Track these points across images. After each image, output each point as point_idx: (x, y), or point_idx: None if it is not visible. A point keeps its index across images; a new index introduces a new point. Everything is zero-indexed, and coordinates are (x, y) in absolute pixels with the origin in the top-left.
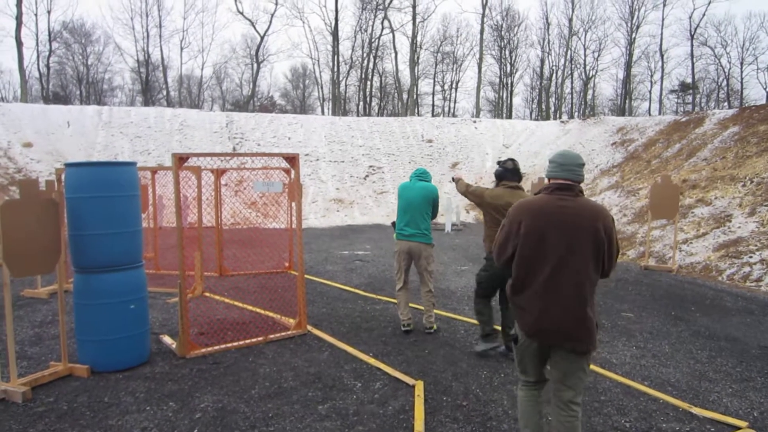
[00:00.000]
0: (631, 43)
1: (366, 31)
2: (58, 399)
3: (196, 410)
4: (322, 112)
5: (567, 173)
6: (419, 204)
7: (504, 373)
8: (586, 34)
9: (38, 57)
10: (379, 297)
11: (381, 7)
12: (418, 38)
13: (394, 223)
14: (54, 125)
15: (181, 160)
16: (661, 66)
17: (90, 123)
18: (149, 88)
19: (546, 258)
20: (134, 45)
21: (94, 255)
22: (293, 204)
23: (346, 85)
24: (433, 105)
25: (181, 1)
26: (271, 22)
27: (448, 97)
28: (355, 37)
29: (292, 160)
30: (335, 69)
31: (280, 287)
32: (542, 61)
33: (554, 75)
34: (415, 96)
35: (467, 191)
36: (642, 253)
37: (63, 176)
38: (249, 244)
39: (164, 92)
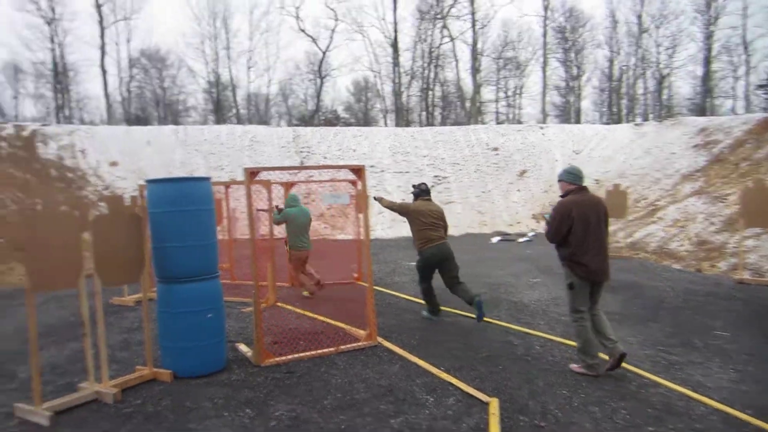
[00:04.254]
0: (709, 36)
1: (425, 41)
2: (145, 401)
3: (271, 418)
4: (385, 124)
5: (580, 180)
6: None
7: (584, 393)
8: (657, 31)
9: (120, 83)
10: (448, 309)
11: (439, 16)
12: (479, 45)
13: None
14: (136, 145)
15: (252, 174)
16: (746, 60)
17: (167, 142)
18: (220, 107)
19: (590, 229)
20: (205, 67)
21: (173, 266)
22: (360, 215)
23: (408, 96)
24: (497, 112)
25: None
26: (331, 38)
27: (513, 103)
28: (415, 47)
29: (358, 171)
30: (396, 80)
31: (349, 298)
32: (611, 62)
33: (624, 75)
34: (477, 104)
35: (392, 206)
36: (734, 265)
37: (145, 192)
38: (317, 256)
39: (234, 110)
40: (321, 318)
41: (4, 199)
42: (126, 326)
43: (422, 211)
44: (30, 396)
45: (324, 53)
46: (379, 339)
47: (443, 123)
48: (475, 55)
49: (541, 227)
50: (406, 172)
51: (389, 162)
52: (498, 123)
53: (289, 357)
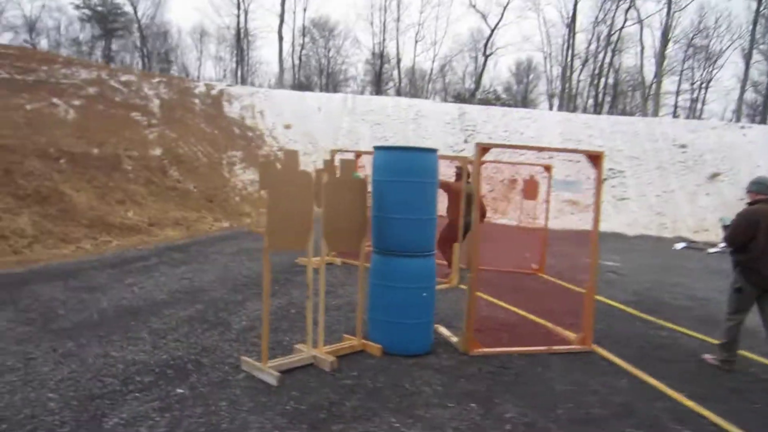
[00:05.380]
0: None
1: (605, 23)
2: (361, 375)
3: (503, 420)
4: (550, 108)
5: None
6: None
7: None
8: None
9: (293, 50)
10: (659, 321)
11: None
12: (670, 30)
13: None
14: (307, 110)
15: (483, 150)
16: None
17: (336, 109)
18: (380, 79)
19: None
20: (371, 38)
21: (394, 238)
22: (543, 204)
23: (578, 81)
24: (675, 105)
25: None
26: (502, 15)
27: (697, 97)
28: (594, 29)
29: (596, 158)
30: (568, 63)
31: (535, 290)
32: None
33: None
34: (658, 95)
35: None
36: None
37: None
38: (483, 238)
39: (392, 83)
40: (514, 309)
41: (197, 152)
42: (316, 288)
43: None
44: (249, 349)
45: (492, 31)
46: (593, 345)
47: (610, 112)
48: (666, 40)
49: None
50: (577, 161)
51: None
52: (674, 117)
53: (499, 350)
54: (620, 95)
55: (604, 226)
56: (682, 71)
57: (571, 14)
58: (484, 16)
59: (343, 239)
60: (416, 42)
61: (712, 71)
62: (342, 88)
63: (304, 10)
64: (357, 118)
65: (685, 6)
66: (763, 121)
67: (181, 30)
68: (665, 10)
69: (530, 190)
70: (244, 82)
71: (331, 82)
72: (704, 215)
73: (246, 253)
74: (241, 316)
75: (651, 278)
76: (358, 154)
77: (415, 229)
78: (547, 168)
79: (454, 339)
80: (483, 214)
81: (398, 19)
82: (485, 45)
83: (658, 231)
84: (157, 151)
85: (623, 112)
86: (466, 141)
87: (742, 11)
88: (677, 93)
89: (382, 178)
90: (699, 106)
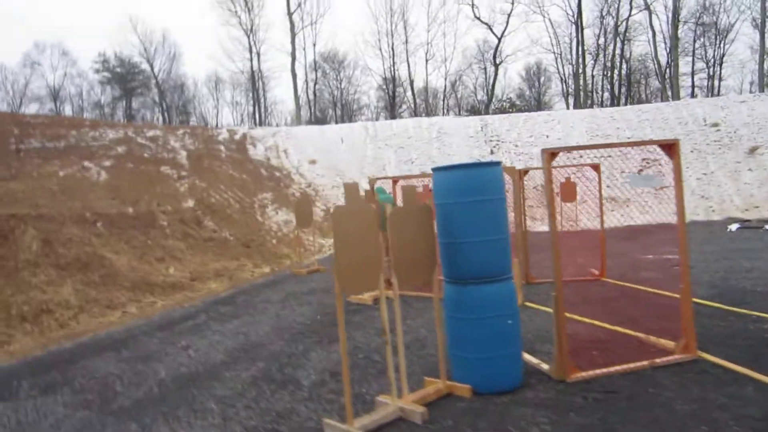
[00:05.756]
0: None
1: (611, 15)
2: (458, 423)
3: None
4: (567, 107)
5: None
6: None
7: None
8: None
9: (306, 86)
10: (755, 313)
11: None
12: (663, 14)
13: None
14: (329, 143)
15: (552, 155)
16: None
17: (358, 138)
18: (393, 103)
19: None
20: (381, 63)
21: (467, 264)
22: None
23: (593, 76)
24: (693, 86)
25: (424, 16)
26: (507, 22)
27: (713, 74)
28: (601, 23)
29: (670, 147)
30: (579, 60)
31: (607, 297)
32: None
33: None
34: (677, 78)
35: None
36: None
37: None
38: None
39: (406, 105)
40: (596, 323)
41: (228, 198)
42: (378, 326)
43: None
44: (326, 408)
45: (500, 39)
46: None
47: (627, 102)
48: (677, 22)
49: None
50: (608, 156)
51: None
52: (692, 97)
53: (598, 372)
54: (635, 84)
55: (647, 218)
56: (694, 51)
57: (576, 12)
58: (489, 27)
59: (413, 272)
60: (427, 61)
61: (724, 47)
62: (357, 117)
63: (314, 45)
64: (380, 144)
65: None
66: None
67: (197, 81)
68: None
69: (568, 192)
70: (262, 123)
71: (346, 113)
72: (750, 191)
73: (294, 298)
74: (308, 369)
75: (720, 266)
76: (395, 180)
77: (489, 252)
78: (596, 167)
79: (545, 366)
80: None
81: (406, 41)
82: (494, 54)
83: (707, 215)
84: (190, 203)
85: (640, 101)
86: (492, 152)
87: None
88: (692, 73)
89: (447, 201)
90: (716, 83)
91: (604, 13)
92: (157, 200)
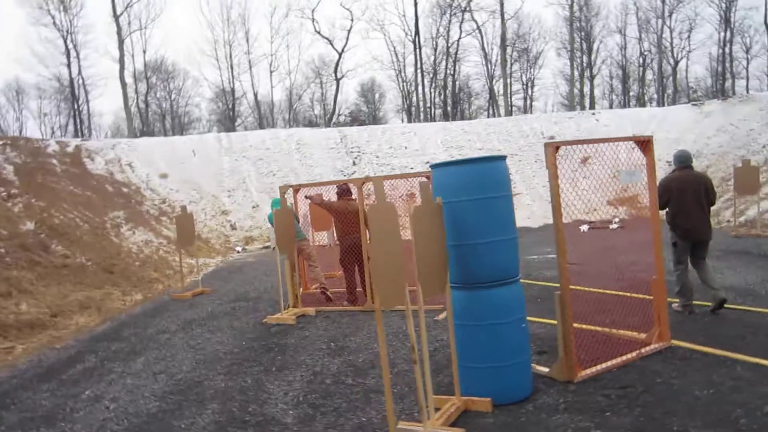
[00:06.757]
0: (725, 21)
1: (443, 36)
2: None
3: None
4: (402, 121)
5: (679, 162)
6: None
7: None
8: (671, 17)
9: (137, 96)
10: (673, 300)
11: (460, 9)
12: (492, 38)
13: None
14: (180, 156)
15: (557, 149)
16: None
17: (212, 150)
18: (230, 116)
19: (686, 199)
20: (219, 75)
21: (479, 267)
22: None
23: (430, 92)
24: (510, 105)
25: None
26: (347, 38)
27: (525, 95)
28: (435, 42)
29: (644, 144)
30: (412, 77)
31: (534, 297)
32: (623, 48)
33: (641, 60)
34: (508, 95)
35: (322, 204)
36: None
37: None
38: None
39: (241, 120)
40: (549, 321)
41: (74, 218)
42: (322, 345)
43: (347, 212)
44: None
45: (340, 54)
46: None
47: (456, 117)
48: (505, 46)
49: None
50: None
51: (444, 157)
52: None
53: (598, 368)
54: (462, 102)
55: None
56: (511, 73)
57: (414, 30)
58: (330, 42)
59: (434, 280)
60: (271, 73)
61: (534, 71)
62: (187, 132)
63: (144, 51)
64: (237, 156)
65: (514, 15)
66: (572, 109)
67: None
68: (499, 19)
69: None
70: (81, 135)
71: (178, 125)
72: (588, 197)
73: (197, 325)
74: (277, 404)
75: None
76: (296, 189)
77: (502, 252)
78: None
79: (542, 369)
80: None
81: (249, 52)
82: (335, 69)
83: None
84: (29, 225)
85: (464, 117)
86: (354, 163)
87: (551, 16)
88: (510, 94)
89: (453, 200)
90: (528, 103)
91: (434, 35)
92: None
